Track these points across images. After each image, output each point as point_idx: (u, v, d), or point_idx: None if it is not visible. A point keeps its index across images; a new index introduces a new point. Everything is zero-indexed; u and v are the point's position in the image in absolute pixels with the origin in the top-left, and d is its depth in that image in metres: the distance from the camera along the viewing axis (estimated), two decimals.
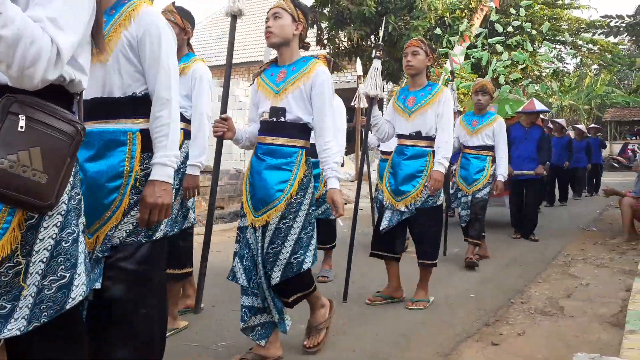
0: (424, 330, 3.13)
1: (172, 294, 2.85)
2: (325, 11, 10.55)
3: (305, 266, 2.50)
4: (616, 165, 23.12)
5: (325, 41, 11.30)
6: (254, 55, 18.91)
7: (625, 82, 34.54)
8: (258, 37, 19.41)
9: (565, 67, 16.61)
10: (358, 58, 7.14)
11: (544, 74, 15.54)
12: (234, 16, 2.67)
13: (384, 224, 3.50)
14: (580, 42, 14.29)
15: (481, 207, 4.90)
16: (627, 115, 29.40)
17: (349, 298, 3.67)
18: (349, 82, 16.64)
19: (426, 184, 3.41)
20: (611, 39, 12.70)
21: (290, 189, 2.48)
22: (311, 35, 13.02)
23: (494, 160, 4.92)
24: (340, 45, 10.47)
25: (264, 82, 2.64)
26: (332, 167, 2.56)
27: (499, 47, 7.87)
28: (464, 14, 8.96)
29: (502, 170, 4.83)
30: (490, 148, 4.91)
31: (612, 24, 7.20)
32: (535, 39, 12.23)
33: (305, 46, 2.68)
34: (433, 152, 3.43)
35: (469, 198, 4.89)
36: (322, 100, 2.52)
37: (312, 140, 2.68)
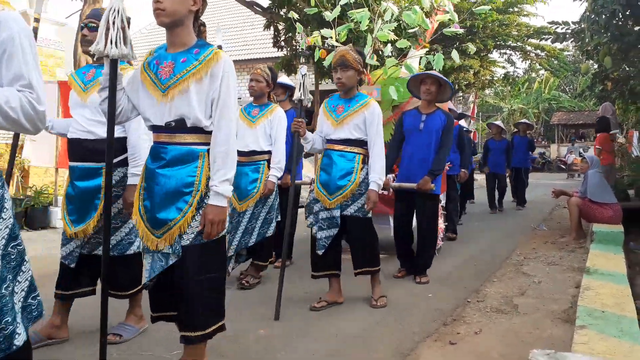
0: (382, 330, 3.13)
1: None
2: (281, 12, 10.50)
3: (18, 342, 1.48)
4: (563, 167, 24.21)
5: (282, 43, 11.25)
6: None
7: (571, 86, 36.13)
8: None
9: (515, 71, 17.18)
10: None
11: (494, 78, 16.07)
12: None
13: (146, 276, 2.18)
14: (528, 48, 14.82)
15: (363, 227, 3.50)
16: (572, 119, 30.82)
17: (308, 300, 3.64)
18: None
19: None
20: (557, 45, 13.26)
21: None
22: (268, 37, 12.94)
23: (366, 160, 3.53)
24: (297, 47, 10.45)
25: None
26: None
27: (384, 4, 5.44)
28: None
29: (376, 175, 3.42)
30: (362, 143, 3.49)
31: (559, 30, 7.44)
32: (488, 44, 12.59)
33: None
34: (208, 151, 2.13)
35: (334, 213, 3.46)
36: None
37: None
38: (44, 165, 7.43)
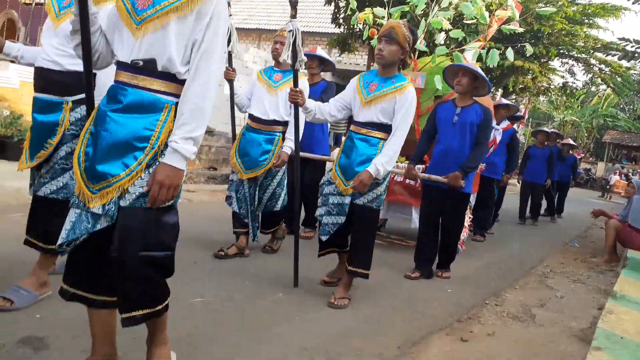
0: (396, 316, 3.18)
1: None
2: None
3: None
4: (607, 187, 23.43)
5: (341, 20, 11.19)
6: (265, 23, 18.98)
7: (631, 107, 34.68)
8: (268, 6, 19.79)
9: (574, 82, 16.56)
10: None
11: (552, 86, 15.58)
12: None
13: (62, 236, 1.73)
14: (593, 61, 14.27)
15: (369, 221, 3.22)
16: (626, 140, 29.65)
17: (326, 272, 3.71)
18: (358, 64, 16.55)
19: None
20: (624, 62, 12.69)
21: None
22: (327, 14, 12.87)
23: None
24: (355, 26, 10.37)
25: None
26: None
27: None
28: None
29: (380, 159, 3.08)
30: (388, 128, 3.17)
31: (628, 47, 7.16)
32: (550, 52, 12.18)
33: None
34: (176, 105, 1.76)
35: (345, 200, 3.18)
36: None
37: None
38: None
